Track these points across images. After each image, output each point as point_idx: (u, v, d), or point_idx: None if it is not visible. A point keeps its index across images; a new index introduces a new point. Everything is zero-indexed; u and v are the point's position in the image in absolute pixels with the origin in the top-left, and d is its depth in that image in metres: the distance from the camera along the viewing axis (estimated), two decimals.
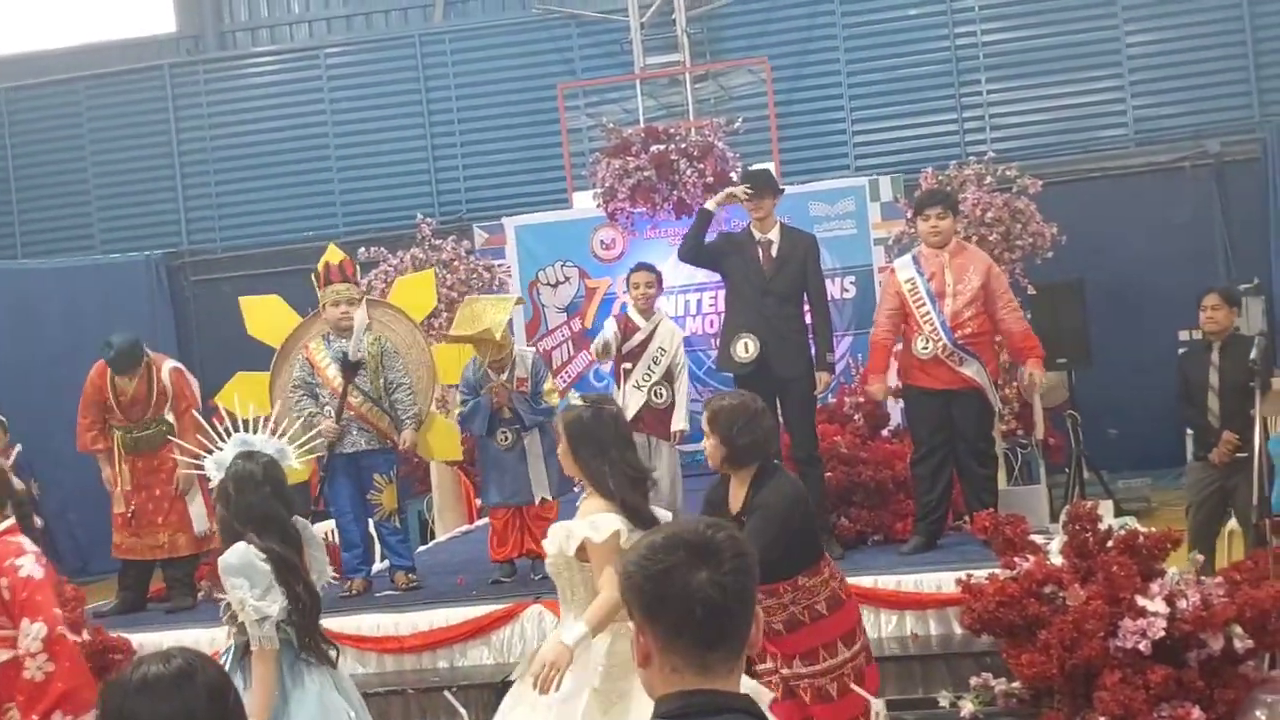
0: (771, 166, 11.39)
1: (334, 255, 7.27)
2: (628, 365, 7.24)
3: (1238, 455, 7.23)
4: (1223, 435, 7.32)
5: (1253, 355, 6.52)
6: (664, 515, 4.19)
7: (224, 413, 6.63)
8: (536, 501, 6.96)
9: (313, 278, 7.22)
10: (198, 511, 7.29)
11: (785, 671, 4.55)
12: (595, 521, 3.97)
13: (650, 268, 7.54)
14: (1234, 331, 7.57)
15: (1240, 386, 7.12)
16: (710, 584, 2.04)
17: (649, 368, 7.20)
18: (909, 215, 9.98)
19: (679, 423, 7.26)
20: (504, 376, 6.98)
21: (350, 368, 6.95)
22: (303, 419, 7.03)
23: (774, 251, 6.80)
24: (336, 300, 7.02)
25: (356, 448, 6.99)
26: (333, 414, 6.92)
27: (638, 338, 7.28)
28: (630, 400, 7.14)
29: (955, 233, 6.92)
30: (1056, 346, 10.19)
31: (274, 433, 4.51)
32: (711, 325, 10.73)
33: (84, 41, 15.64)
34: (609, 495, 4.03)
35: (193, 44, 15.66)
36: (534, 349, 8.53)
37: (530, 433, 6.98)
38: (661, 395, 7.22)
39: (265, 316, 7.78)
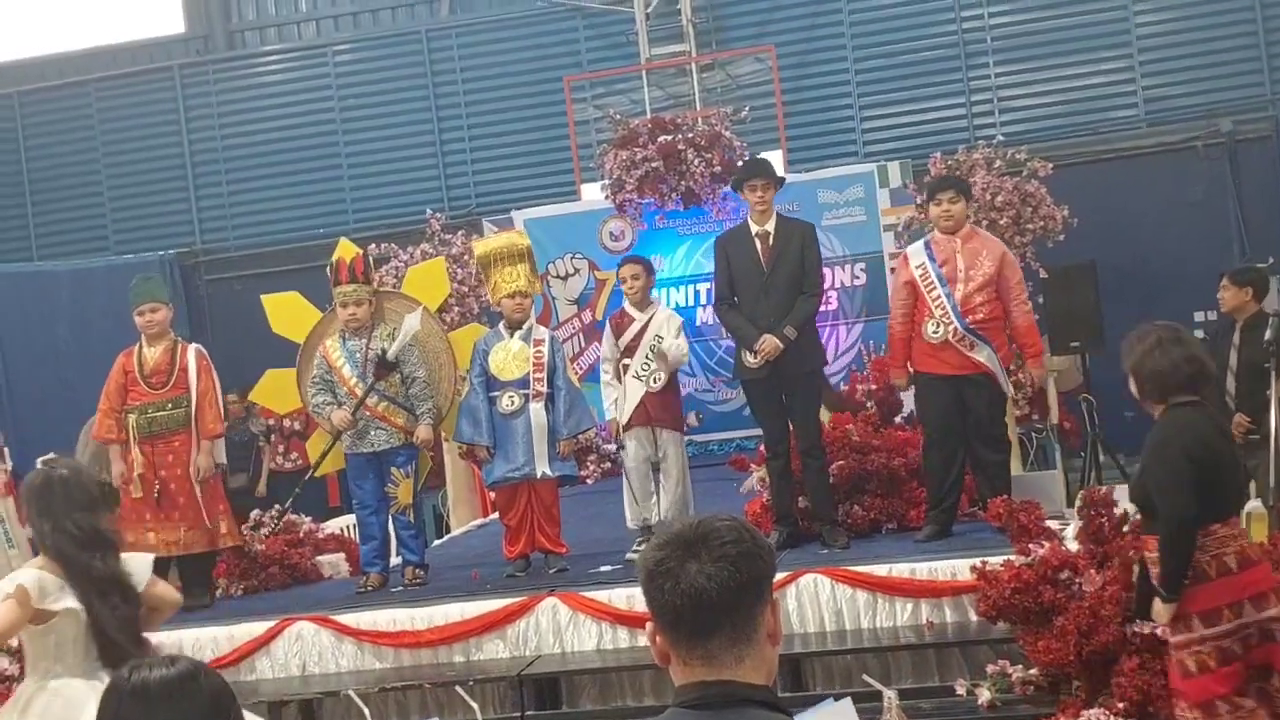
0: (779, 155, 11.42)
1: (346, 252, 7.25)
2: (627, 361, 7.09)
3: (1251, 437, 7.20)
4: (1234, 417, 7.28)
5: (1268, 336, 6.49)
6: (138, 565, 4.34)
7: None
8: (538, 475, 6.89)
9: (327, 272, 7.24)
10: (203, 506, 7.25)
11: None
12: (13, 577, 4.22)
13: (636, 259, 7.40)
14: (1257, 312, 7.48)
15: (1256, 368, 7.07)
16: (697, 574, 2.06)
17: (646, 357, 7.04)
18: (919, 200, 9.96)
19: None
20: (519, 333, 6.99)
21: (386, 366, 6.97)
22: (323, 416, 7.09)
23: (771, 242, 6.78)
24: (345, 301, 7.06)
25: (376, 447, 7.02)
26: (348, 406, 6.94)
27: (633, 329, 7.11)
28: (630, 392, 7.03)
29: (968, 218, 6.88)
30: (1070, 330, 10.15)
31: None
32: None
33: (94, 44, 15.68)
34: (48, 553, 4.24)
35: (201, 44, 15.69)
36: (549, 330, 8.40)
37: (537, 401, 6.94)
38: (658, 380, 7.01)
39: (287, 313, 7.83)
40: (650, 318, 7.13)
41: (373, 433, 7.01)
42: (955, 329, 6.53)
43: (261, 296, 8.03)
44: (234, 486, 12.46)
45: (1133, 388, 4.37)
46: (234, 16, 15.72)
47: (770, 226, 6.82)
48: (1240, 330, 7.46)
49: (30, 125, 15.71)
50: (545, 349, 7.02)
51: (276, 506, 8.42)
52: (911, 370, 6.89)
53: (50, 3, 15.81)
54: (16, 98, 15.66)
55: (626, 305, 7.28)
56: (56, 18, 15.76)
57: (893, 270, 10.21)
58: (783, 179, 7.11)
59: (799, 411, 6.74)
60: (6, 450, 9.90)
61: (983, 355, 6.56)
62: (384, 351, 6.98)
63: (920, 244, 6.89)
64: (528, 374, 6.97)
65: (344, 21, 15.55)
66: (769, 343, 6.59)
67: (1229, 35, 13.13)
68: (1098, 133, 13.28)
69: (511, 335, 7.06)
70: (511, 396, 6.93)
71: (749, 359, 6.70)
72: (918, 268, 6.68)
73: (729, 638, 2.08)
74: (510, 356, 7.00)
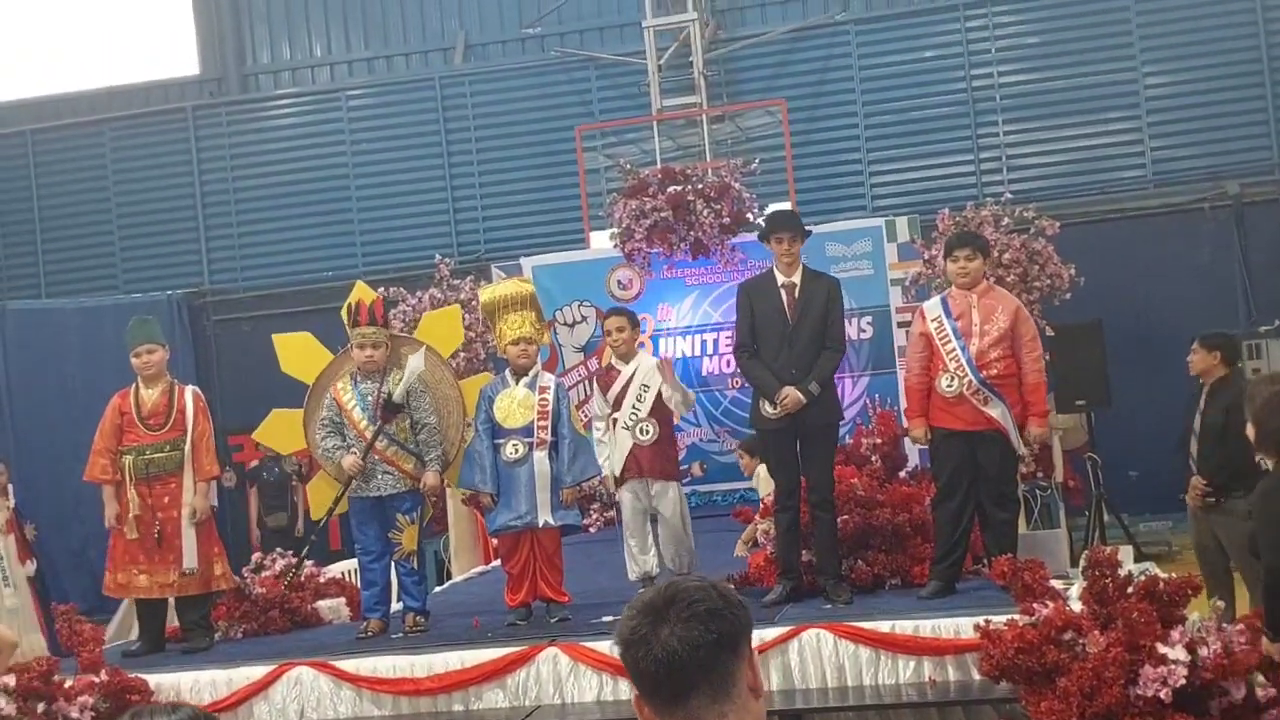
0: (788, 207, 11.45)
1: (365, 295, 7.25)
2: (616, 415, 7.11)
3: (1208, 499, 7.26)
4: (1191, 480, 7.35)
5: None
6: None
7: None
8: (539, 524, 6.89)
9: (343, 314, 7.25)
10: (188, 547, 7.23)
11: None
12: None
13: (621, 312, 7.41)
14: (1224, 376, 7.51)
15: (1217, 431, 7.15)
16: (669, 637, 2.09)
17: (634, 406, 7.05)
18: (926, 256, 10.00)
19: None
20: (523, 386, 7.00)
21: (391, 408, 6.98)
22: (331, 460, 7.07)
23: (796, 294, 6.80)
24: (362, 343, 7.05)
25: (382, 491, 7.01)
26: (358, 451, 6.94)
27: (619, 383, 7.13)
28: (621, 442, 7.04)
29: (984, 275, 6.91)
30: (1076, 388, 10.17)
31: None
32: (728, 365, 10.73)
33: (108, 84, 15.84)
34: None
35: (216, 86, 15.83)
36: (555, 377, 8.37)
37: (541, 450, 6.93)
38: (647, 431, 7.03)
39: (298, 353, 7.81)
40: (635, 368, 7.15)
41: (379, 476, 6.99)
42: (970, 382, 6.54)
43: (272, 336, 8.04)
44: (274, 526, 12.57)
45: (1250, 432, 4.41)
46: (249, 59, 15.88)
47: (796, 278, 6.83)
48: (1205, 394, 7.49)
49: (43, 163, 15.83)
50: (550, 396, 7.02)
51: (278, 550, 8.40)
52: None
53: (65, 42, 15.98)
54: (30, 135, 15.80)
55: (612, 359, 7.29)
56: (71, 57, 15.92)
57: (899, 325, 10.25)
58: (809, 231, 7.13)
59: (814, 464, 6.73)
60: (11, 487, 9.93)
61: (996, 411, 6.56)
62: (390, 395, 6.98)
63: (937, 299, 6.93)
64: (532, 422, 6.97)
65: (358, 67, 15.69)
66: (791, 396, 6.59)
67: (1237, 99, 13.24)
68: (1105, 192, 13.36)
69: (517, 382, 7.07)
70: (515, 444, 6.93)
71: (767, 409, 6.70)
72: (933, 321, 6.70)
73: (708, 696, 2.09)
74: (515, 404, 7.00)
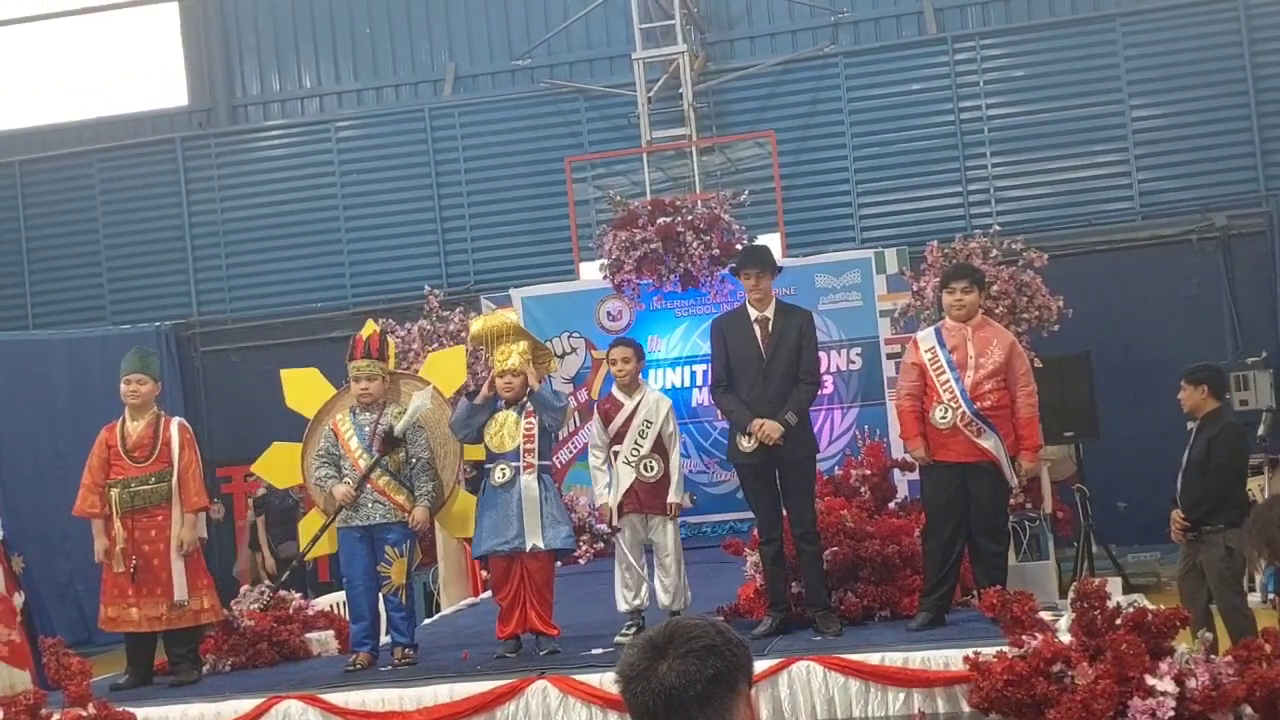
0: (777, 239, 11.51)
1: (367, 329, 7.33)
2: (617, 447, 7.09)
3: (1189, 534, 7.27)
4: (1172, 514, 7.37)
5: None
6: None
7: None
8: (527, 548, 6.85)
9: (346, 356, 7.30)
10: (178, 580, 7.20)
11: None
12: None
13: (628, 342, 7.41)
14: (1213, 410, 7.51)
15: (1198, 466, 7.17)
16: (667, 672, 2.13)
17: (636, 442, 7.02)
18: (914, 288, 10.04)
19: (674, 495, 7.04)
20: (513, 411, 6.98)
21: (391, 442, 6.98)
22: (323, 489, 7.07)
23: (770, 329, 6.80)
24: (358, 376, 7.11)
25: (372, 520, 7.00)
26: (351, 481, 6.95)
27: (621, 415, 7.09)
28: (621, 476, 7.02)
29: (980, 308, 6.93)
30: (1064, 420, 10.18)
31: None
32: None
33: (97, 115, 15.86)
34: None
35: (205, 117, 15.86)
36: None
37: (529, 474, 6.93)
38: (652, 468, 7.00)
39: (303, 389, 7.82)
40: (639, 402, 7.14)
41: (369, 506, 6.99)
42: (964, 413, 6.54)
43: (281, 371, 8.01)
44: (285, 557, 12.54)
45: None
46: (238, 91, 15.91)
47: (769, 312, 6.85)
48: (1197, 429, 7.50)
49: (30, 194, 15.82)
50: (536, 420, 7.02)
51: (268, 583, 8.38)
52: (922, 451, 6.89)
53: (54, 73, 16.00)
54: (18, 166, 15.80)
55: (615, 390, 7.27)
56: (60, 88, 15.94)
57: (888, 356, 10.28)
58: (780, 268, 7.14)
59: (793, 496, 6.74)
60: None
61: (989, 443, 6.56)
62: (391, 428, 7.00)
63: (930, 330, 6.95)
64: (519, 446, 6.96)
65: (347, 98, 15.72)
66: (768, 424, 6.60)
67: (1224, 131, 13.33)
68: (1093, 225, 13.43)
69: (508, 408, 7.07)
70: (503, 469, 6.93)
71: (743, 443, 6.71)
72: (927, 352, 6.71)
73: None
74: (504, 429, 7.01)
